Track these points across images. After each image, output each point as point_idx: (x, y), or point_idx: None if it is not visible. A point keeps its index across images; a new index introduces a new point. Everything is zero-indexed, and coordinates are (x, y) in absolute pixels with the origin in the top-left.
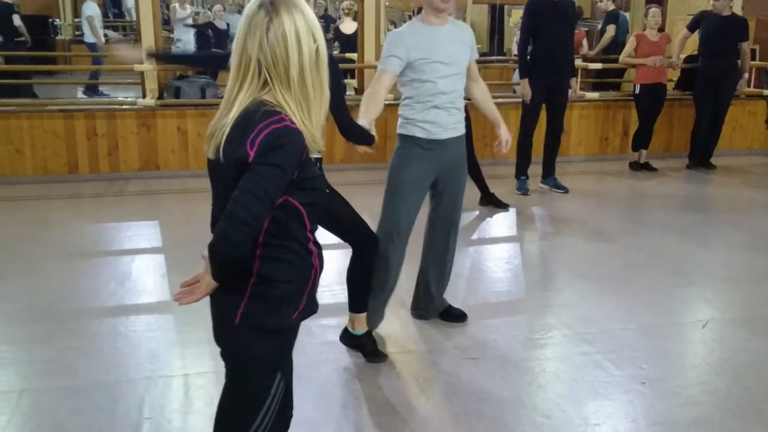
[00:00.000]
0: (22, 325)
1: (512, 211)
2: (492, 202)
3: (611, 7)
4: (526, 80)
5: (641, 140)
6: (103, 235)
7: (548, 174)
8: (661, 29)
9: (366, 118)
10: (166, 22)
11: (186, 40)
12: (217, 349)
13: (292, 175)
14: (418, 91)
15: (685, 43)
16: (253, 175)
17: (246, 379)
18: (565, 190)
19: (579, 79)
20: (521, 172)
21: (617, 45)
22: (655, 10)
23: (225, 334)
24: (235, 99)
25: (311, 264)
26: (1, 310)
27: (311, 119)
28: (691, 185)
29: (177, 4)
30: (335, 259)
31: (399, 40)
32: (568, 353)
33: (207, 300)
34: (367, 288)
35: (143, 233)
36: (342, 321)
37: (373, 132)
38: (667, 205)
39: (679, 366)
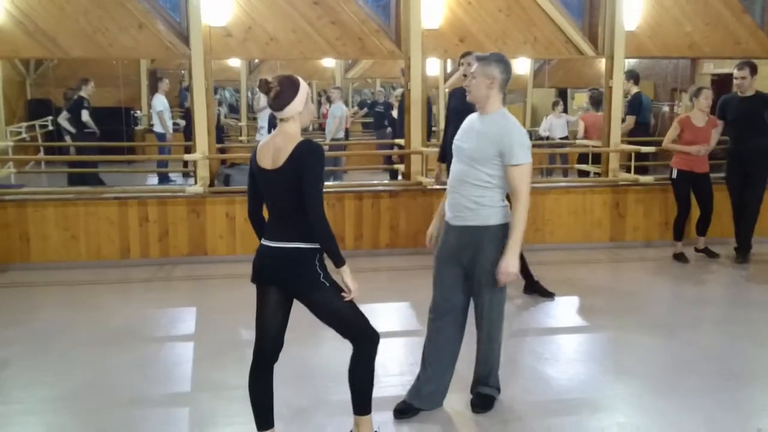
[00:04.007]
0: (39, 415)
1: (558, 300)
2: (537, 291)
3: (634, 90)
4: (440, 164)
5: (681, 228)
6: (141, 321)
7: None
8: (712, 112)
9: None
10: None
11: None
12: None
13: None
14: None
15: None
16: None
17: None
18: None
19: (633, 163)
20: None
21: (644, 126)
22: (708, 92)
23: None
24: None
25: None
26: (22, 398)
27: None
28: (758, 276)
29: (261, 94)
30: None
31: None
32: None
33: (223, 396)
34: (368, 388)
35: (180, 319)
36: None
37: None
38: (728, 297)
39: None
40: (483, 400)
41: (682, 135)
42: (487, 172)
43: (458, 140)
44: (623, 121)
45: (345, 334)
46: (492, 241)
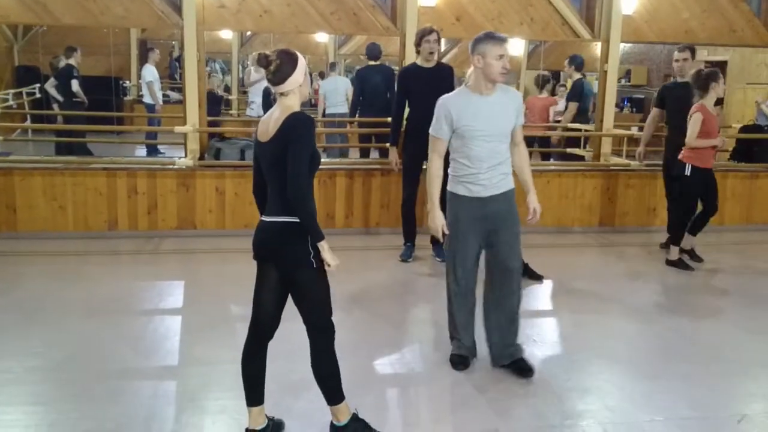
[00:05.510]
0: (27, 385)
1: (546, 284)
2: (525, 273)
3: (576, 76)
4: (394, 148)
5: (683, 228)
6: (129, 293)
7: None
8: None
9: (430, 202)
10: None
11: (259, 102)
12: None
13: None
14: (464, 153)
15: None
16: None
17: None
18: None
19: (625, 148)
20: (406, 238)
21: (585, 112)
22: (722, 77)
23: None
24: None
25: None
26: (11, 368)
27: None
28: (746, 264)
29: (252, 67)
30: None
31: (446, 108)
32: None
33: (212, 370)
34: (336, 378)
35: (167, 293)
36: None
37: (440, 222)
38: (718, 284)
39: None
40: (527, 363)
41: (702, 126)
42: (509, 142)
43: (470, 124)
44: (566, 108)
45: (310, 320)
46: (513, 201)
